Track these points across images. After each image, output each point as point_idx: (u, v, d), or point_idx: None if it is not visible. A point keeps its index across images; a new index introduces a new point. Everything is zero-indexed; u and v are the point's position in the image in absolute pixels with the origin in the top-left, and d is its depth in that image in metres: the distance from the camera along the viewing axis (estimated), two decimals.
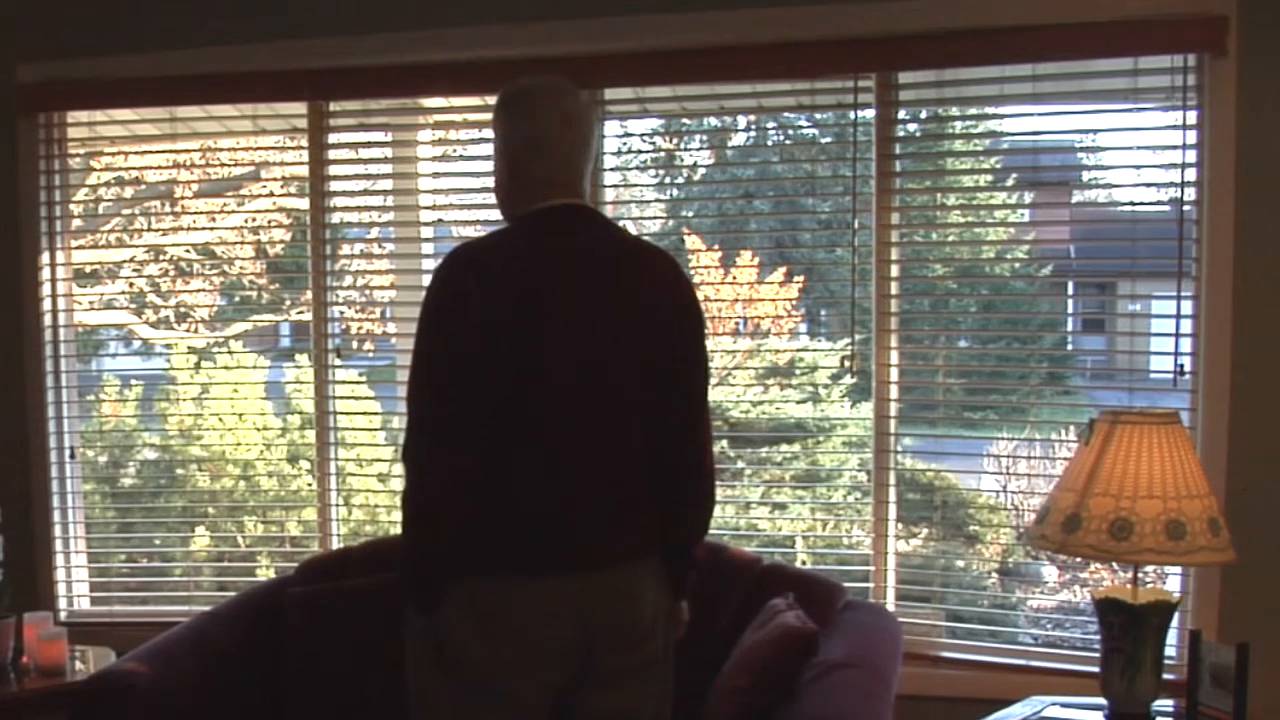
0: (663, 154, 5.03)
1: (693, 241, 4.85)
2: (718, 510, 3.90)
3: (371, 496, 4.05)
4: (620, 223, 2.64)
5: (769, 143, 6.44)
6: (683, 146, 5.90)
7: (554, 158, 2.03)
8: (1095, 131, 4.32)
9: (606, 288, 2.00)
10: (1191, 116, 2.88)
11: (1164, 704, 2.46)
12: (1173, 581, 3.11)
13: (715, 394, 4.14)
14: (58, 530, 3.71)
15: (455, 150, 4.63)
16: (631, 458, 2.03)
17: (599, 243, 2.05)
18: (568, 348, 1.95)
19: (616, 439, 2.00)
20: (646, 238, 2.67)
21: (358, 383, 4.09)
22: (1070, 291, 4.25)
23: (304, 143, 3.57)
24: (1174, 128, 2.93)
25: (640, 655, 2.05)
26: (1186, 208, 2.91)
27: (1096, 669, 2.49)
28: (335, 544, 3.53)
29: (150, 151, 3.93)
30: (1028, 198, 3.90)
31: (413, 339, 1.98)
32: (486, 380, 1.91)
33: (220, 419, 4.76)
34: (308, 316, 3.59)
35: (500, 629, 1.93)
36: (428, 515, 1.93)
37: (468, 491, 1.92)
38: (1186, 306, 2.92)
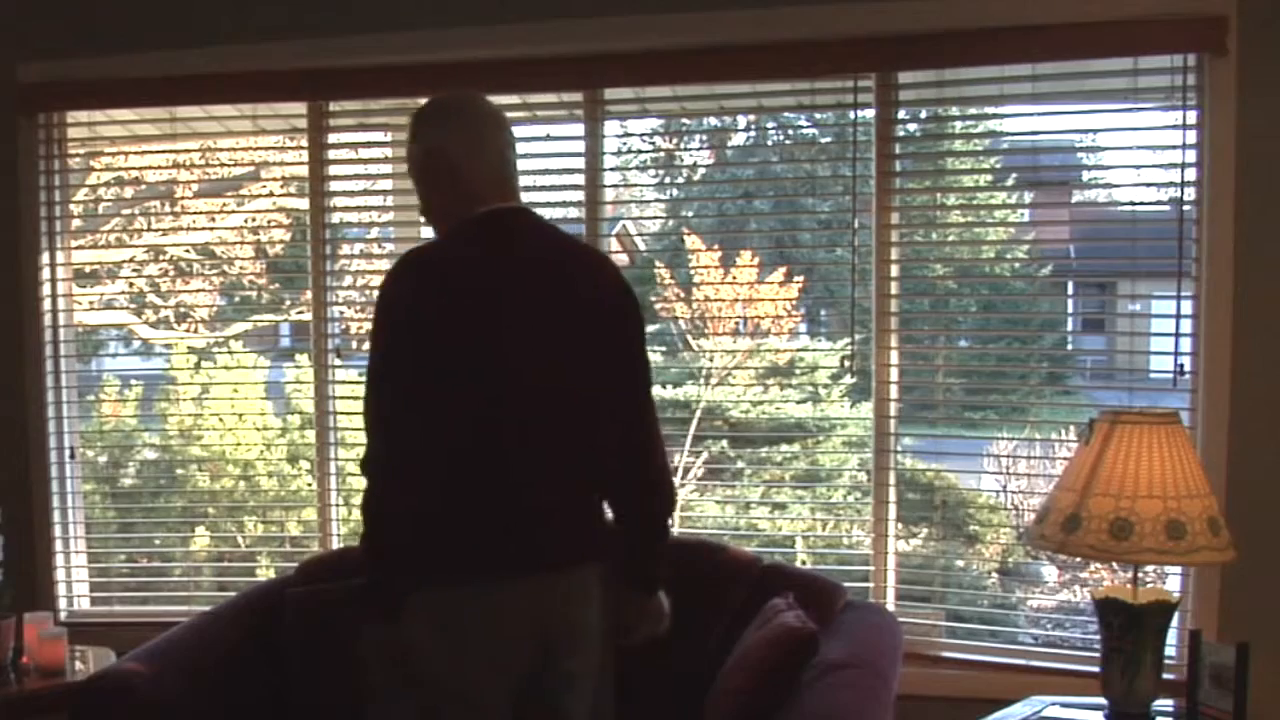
0: (663, 154, 5.03)
1: (693, 241, 4.85)
2: (717, 510, 3.95)
3: None
4: (620, 223, 2.64)
5: (769, 143, 6.44)
6: (683, 146, 5.90)
7: (489, 160, 2.06)
8: (1095, 131, 4.33)
9: (552, 289, 2.02)
10: (1191, 116, 2.88)
11: (1164, 704, 2.46)
12: (1173, 581, 3.11)
13: (715, 394, 4.16)
14: (58, 530, 3.71)
15: None
16: (582, 460, 2.06)
17: (542, 245, 2.08)
18: (517, 352, 1.97)
19: (568, 441, 2.03)
20: (646, 238, 2.67)
21: (358, 383, 4.08)
22: (1070, 291, 4.25)
23: (304, 143, 3.58)
24: (1174, 128, 2.93)
25: (591, 658, 2.09)
26: (1186, 208, 2.91)
27: (1096, 669, 2.49)
28: (335, 544, 3.53)
29: (150, 151, 3.93)
30: (1028, 198, 3.90)
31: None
32: (440, 387, 1.93)
33: (220, 419, 4.76)
34: (308, 316, 3.59)
35: (461, 634, 1.95)
36: (388, 523, 1.96)
37: (426, 499, 1.94)
38: (1186, 306, 2.92)
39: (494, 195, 2.04)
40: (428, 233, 3.61)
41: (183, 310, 4.91)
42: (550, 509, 2.01)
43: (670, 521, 2.22)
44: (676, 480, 4.16)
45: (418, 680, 1.97)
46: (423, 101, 3.46)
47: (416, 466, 1.94)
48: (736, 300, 4.78)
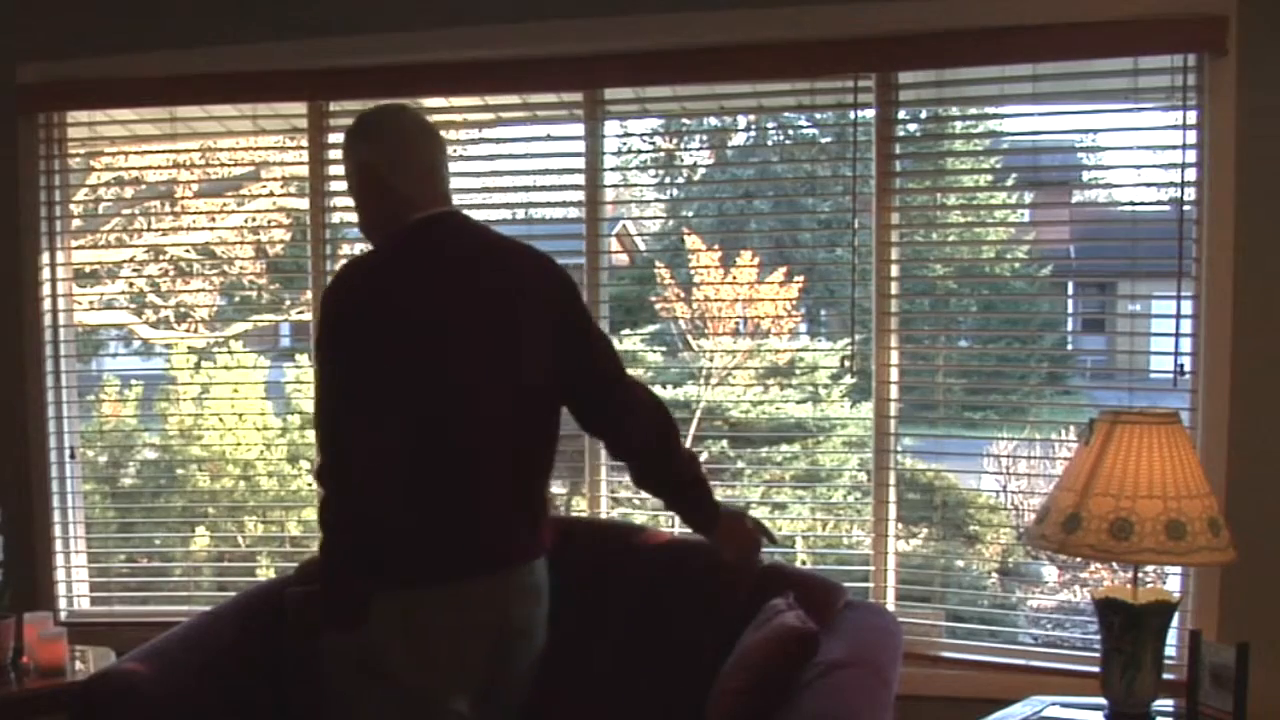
0: (663, 154, 5.03)
1: (693, 241, 4.85)
2: None
3: None
4: (620, 223, 2.65)
5: (769, 143, 6.43)
6: (683, 146, 5.91)
7: (418, 169, 2.10)
8: (1095, 131, 4.32)
9: (487, 287, 2.07)
10: (1191, 116, 2.88)
11: (1164, 704, 2.46)
12: (1173, 581, 3.11)
13: (715, 394, 4.16)
14: (58, 530, 3.71)
15: (455, 150, 4.63)
16: (529, 455, 2.12)
17: (474, 245, 2.13)
18: (459, 353, 2.01)
19: (515, 438, 2.07)
20: (646, 237, 2.68)
21: None
22: (1070, 291, 4.25)
23: (304, 143, 3.58)
24: (1174, 128, 2.93)
25: (536, 653, 2.16)
26: (1186, 208, 2.91)
27: (1096, 669, 2.49)
28: None
29: (150, 151, 3.93)
30: (1028, 198, 3.90)
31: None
32: (386, 393, 1.96)
33: (220, 419, 4.76)
34: (308, 316, 3.59)
35: (424, 637, 1.98)
36: (345, 531, 1.98)
37: (381, 505, 1.97)
38: (1186, 306, 2.92)
39: (425, 202, 2.09)
40: None
41: (183, 310, 4.91)
42: (503, 508, 2.07)
43: (679, 449, 2.29)
44: None
45: (382, 684, 2.00)
46: (423, 102, 3.51)
47: (369, 473, 1.97)
48: (736, 300, 4.78)
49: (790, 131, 5.76)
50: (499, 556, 2.06)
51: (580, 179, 3.37)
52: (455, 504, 2.01)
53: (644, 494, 2.59)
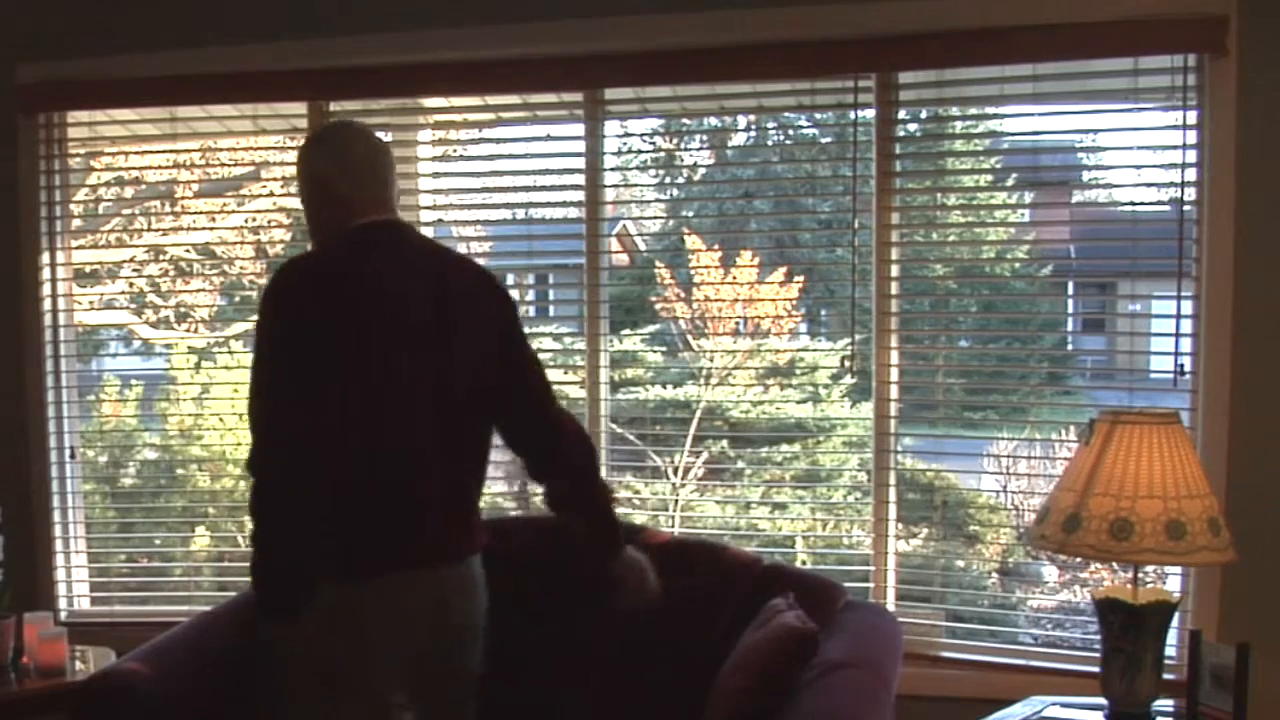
0: (663, 154, 5.04)
1: (693, 241, 4.85)
2: (717, 510, 3.95)
3: None
4: (620, 223, 2.66)
5: (769, 143, 6.44)
6: (683, 146, 5.90)
7: (360, 179, 2.17)
8: (1095, 131, 4.32)
9: (426, 293, 2.14)
10: (1191, 116, 2.88)
11: (1164, 704, 2.46)
12: (1173, 581, 3.11)
13: (715, 394, 4.16)
14: (58, 530, 3.71)
15: (455, 150, 4.63)
16: (462, 454, 2.18)
17: (411, 250, 2.20)
18: (392, 353, 2.08)
19: (449, 440, 2.13)
20: (647, 237, 2.68)
21: None
22: (1070, 291, 4.24)
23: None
24: (1174, 128, 2.93)
25: (476, 649, 2.21)
26: (1186, 208, 2.91)
27: (1096, 669, 2.48)
28: None
29: (150, 151, 3.93)
30: (1028, 198, 3.90)
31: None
32: (321, 390, 2.02)
33: (220, 419, 4.75)
34: None
35: (358, 630, 2.04)
36: (278, 524, 2.02)
37: (314, 500, 2.02)
38: (1186, 306, 2.92)
39: (367, 210, 2.16)
40: (428, 232, 3.64)
41: (183, 310, 4.90)
42: (437, 504, 2.12)
43: (598, 481, 2.34)
44: (676, 480, 4.19)
45: (322, 678, 2.05)
46: (423, 102, 3.51)
47: (302, 468, 2.02)
48: (736, 300, 4.78)
49: (790, 131, 5.76)
50: (434, 551, 2.11)
51: (580, 179, 3.37)
52: (388, 500, 2.07)
53: (644, 495, 2.59)
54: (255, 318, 2.14)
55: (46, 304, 3.68)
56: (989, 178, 3.50)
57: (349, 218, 2.15)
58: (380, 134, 3.62)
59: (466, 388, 2.16)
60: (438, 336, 2.13)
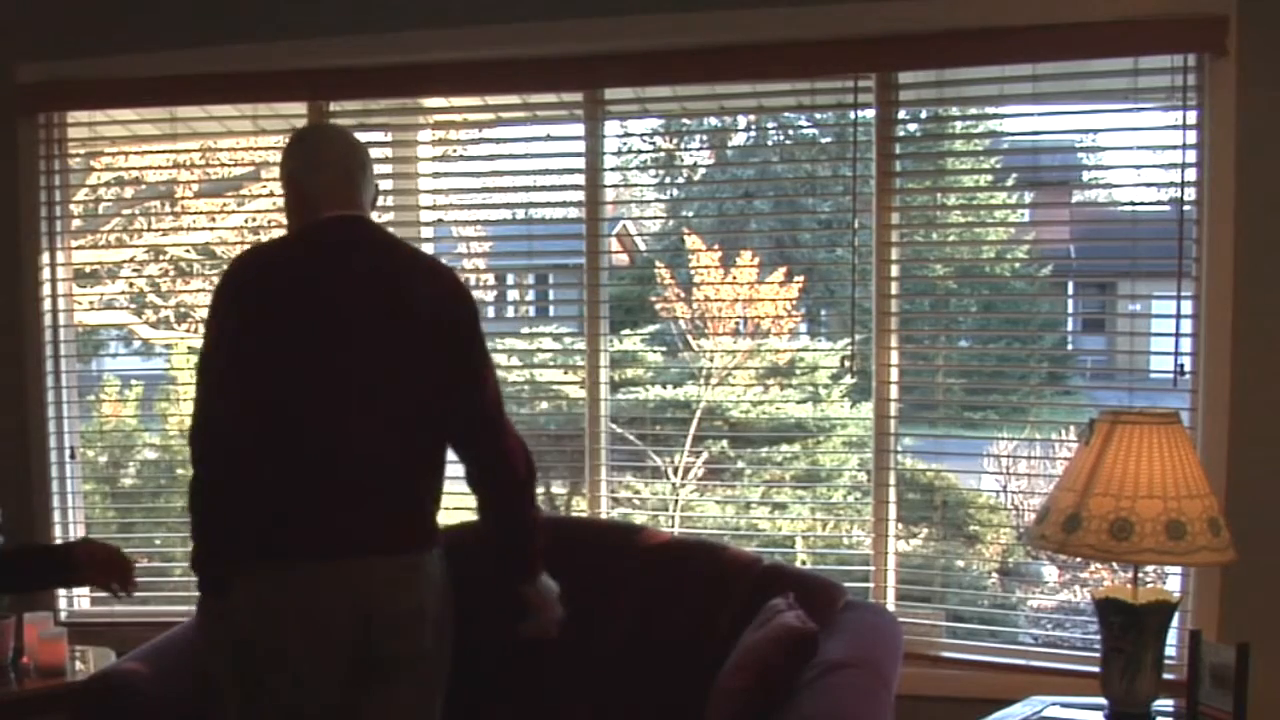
0: (663, 154, 5.04)
1: (693, 241, 4.85)
2: (717, 510, 3.95)
3: None
4: (620, 223, 2.65)
5: (769, 143, 6.44)
6: (683, 146, 5.91)
7: (330, 177, 2.20)
8: (1095, 131, 4.32)
9: (381, 290, 2.15)
10: (1191, 116, 2.88)
11: (1164, 704, 2.46)
12: (1173, 581, 3.11)
13: (715, 394, 4.16)
14: (58, 530, 3.71)
15: (455, 150, 4.63)
16: (412, 449, 2.17)
17: (374, 245, 2.21)
18: (341, 344, 2.10)
19: (390, 436, 2.13)
20: (646, 237, 2.68)
21: None
22: (1070, 291, 4.25)
23: None
24: (1174, 128, 2.93)
25: (419, 642, 2.18)
26: (1186, 208, 2.91)
27: (1096, 669, 2.48)
28: None
29: (150, 151, 3.93)
30: (1028, 198, 3.90)
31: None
32: (264, 376, 2.07)
33: None
34: None
35: (280, 614, 2.05)
36: (214, 505, 2.07)
37: (250, 484, 2.06)
38: (1186, 306, 2.92)
39: (335, 206, 2.18)
40: (428, 232, 3.65)
41: (183, 310, 4.90)
42: (374, 496, 2.12)
43: (531, 504, 2.34)
44: (676, 480, 4.19)
45: (248, 660, 2.07)
46: (423, 102, 3.51)
47: (241, 452, 2.06)
48: (736, 300, 4.78)
49: (790, 131, 5.77)
50: (363, 544, 2.10)
51: (580, 179, 3.37)
52: (322, 488, 2.08)
53: (644, 495, 2.59)
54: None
55: (46, 304, 3.68)
56: (989, 178, 3.50)
57: (315, 212, 2.19)
58: (380, 134, 3.68)
59: (412, 387, 2.16)
60: (381, 333, 2.13)
